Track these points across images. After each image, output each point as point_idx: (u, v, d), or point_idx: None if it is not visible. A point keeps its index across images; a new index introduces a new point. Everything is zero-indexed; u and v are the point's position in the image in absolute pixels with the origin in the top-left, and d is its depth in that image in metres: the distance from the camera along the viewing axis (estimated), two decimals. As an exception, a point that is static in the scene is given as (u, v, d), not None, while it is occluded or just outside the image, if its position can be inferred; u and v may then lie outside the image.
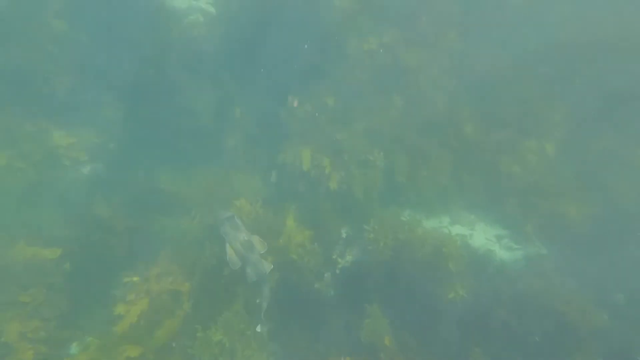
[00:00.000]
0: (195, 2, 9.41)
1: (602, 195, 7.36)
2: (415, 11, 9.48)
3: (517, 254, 6.76)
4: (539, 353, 5.90)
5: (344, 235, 7.43)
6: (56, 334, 4.42)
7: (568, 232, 6.74)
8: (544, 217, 6.91)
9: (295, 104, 9.40)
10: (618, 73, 8.24)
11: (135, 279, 5.54)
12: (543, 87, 8.04)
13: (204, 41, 9.13)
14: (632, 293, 6.61)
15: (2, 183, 5.44)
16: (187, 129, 8.74)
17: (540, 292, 6.20)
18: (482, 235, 7.24)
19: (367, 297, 6.36)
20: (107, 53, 7.80)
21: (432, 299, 6.34)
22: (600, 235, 6.96)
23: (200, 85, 9.25)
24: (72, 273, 5.13)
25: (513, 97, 8.07)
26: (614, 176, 7.62)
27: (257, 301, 5.72)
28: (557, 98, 7.69)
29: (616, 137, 8.01)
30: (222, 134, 9.25)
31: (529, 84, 8.14)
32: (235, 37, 9.45)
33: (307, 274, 6.61)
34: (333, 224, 7.63)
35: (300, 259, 6.67)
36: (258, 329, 5.71)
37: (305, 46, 9.77)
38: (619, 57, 8.36)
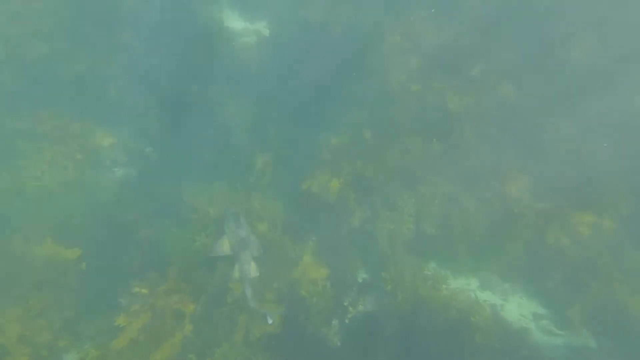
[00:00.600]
0: (251, 25, 9.96)
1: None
2: (469, 58, 9.22)
3: (558, 341, 5.91)
4: None
5: (359, 279, 7.03)
6: (57, 338, 4.46)
7: (626, 327, 5.77)
8: (595, 302, 6.03)
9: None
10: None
11: (144, 290, 5.53)
12: (607, 157, 7.30)
13: (252, 61, 9.53)
14: None
15: (43, 177, 5.82)
16: (220, 143, 8.99)
17: (582, 394, 5.32)
18: (516, 309, 6.48)
19: (376, 357, 5.83)
20: (160, 64, 8.34)
21: (450, 374, 5.68)
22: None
23: (241, 102, 9.56)
24: (86, 274, 5.24)
25: (570, 164, 7.41)
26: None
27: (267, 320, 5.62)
28: (624, 172, 6.90)
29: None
30: (252, 152, 9.37)
31: (591, 150, 7.45)
32: (282, 61, 9.78)
33: (315, 316, 6.26)
34: (350, 265, 7.28)
35: (310, 298, 6.37)
36: (269, 321, 5.57)
37: (354, 74, 9.87)
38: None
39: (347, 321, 6.22)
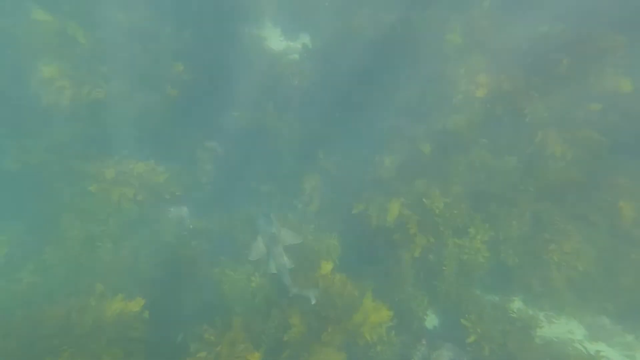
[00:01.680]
0: (293, 43, 9.76)
1: None
2: (552, 53, 7.83)
3: None
4: None
5: (429, 326, 6.28)
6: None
7: None
8: None
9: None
10: None
11: (211, 337, 5.51)
12: None
13: (297, 78, 9.30)
14: None
15: (108, 220, 6.21)
16: (270, 169, 8.90)
17: None
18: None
19: None
20: (209, 94, 8.51)
21: None
22: None
23: (287, 123, 9.38)
24: (150, 322, 5.41)
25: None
26: None
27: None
28: None
29: None
30: (300, 176, 9.12)
31: None
32: (328, 75, 9.37)
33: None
34: (416, 307, 6.57)
35: (374, 346, 5.85)
36: (313, 301, 5.90)
37: (407, 81, 9.09)
38: None
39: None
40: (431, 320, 6.31)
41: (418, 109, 8.93)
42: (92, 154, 7.00)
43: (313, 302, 5.77)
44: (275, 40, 10.01)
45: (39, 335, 4.46)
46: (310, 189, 8.93)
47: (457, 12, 9.10)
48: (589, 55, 7.12)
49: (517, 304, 6.51)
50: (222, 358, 5.37)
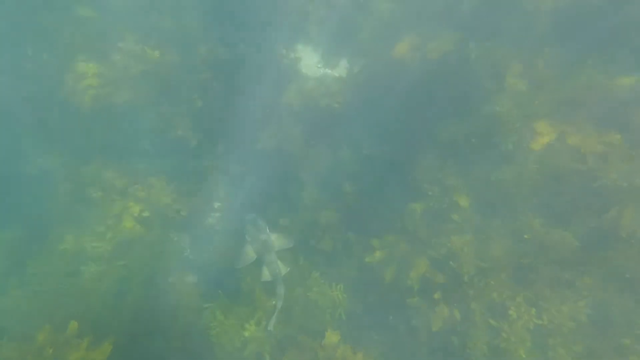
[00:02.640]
0: (330, 71, 9.30)
1: None
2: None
3: None
4: None
5: None
6: None
7: None
8: None
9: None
10: None
11: None
12: None
13: (329, 109, 8.74)
14: None
15: (106, 234, 5.92)
16: (289, 200, 8.32)
17: None
18: None
19: None
20: (234, 114, 8.23)
21: None
22: None
23: (315, 152, 8.80)
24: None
25: None
26: None
27: (273, 302, 6.05)
28: None
29: None
30: (317, 209, 8.39)
31: None
32: (366, 106, 8.73)
33: None
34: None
35: None
36: (270, 327, 5.83)
37: (454, 121, 8.10)
38: None
39: None
40: None
41: (461, 153, 7.92)
42: (104, 161, 6.89)
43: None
44: (311, 64, 9.62)
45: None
46: (325, 223, 8.18)
47: (521, 48, 8.07)
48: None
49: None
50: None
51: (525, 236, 6.36)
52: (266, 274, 6.13)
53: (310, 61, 9.69)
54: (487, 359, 5.72)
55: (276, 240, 6.47)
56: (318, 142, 8.65)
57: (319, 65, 9.70)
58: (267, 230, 6.48)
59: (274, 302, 6.03)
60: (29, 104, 6.94)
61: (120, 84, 7.40)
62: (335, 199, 8.36)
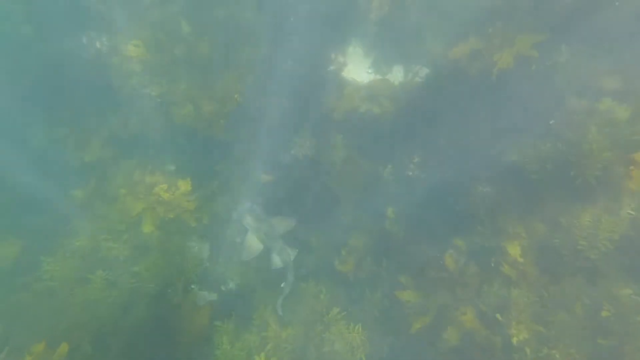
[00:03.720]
0: (382, 77, 8.33)
1: None
2: None
3: None
4: None
5: None
6: None
7: None
8: None
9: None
10: None
11: None
12: None
13: (375, 121, 7.87)
14: None
15: (126, 235, 5.76)
16: (319, 215, 7.68)
17: None
18: None
19: None
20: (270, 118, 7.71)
21: None
22: None
23: (355, 167, 8.01)
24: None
25: None
26: None
27: (282, 285, 6.05)
28: None
29: None
30: (351, 228, 7.66)
31: None
32: (415, 123, 7.75)
33: None
34: None
35: None
36: (279, 311, 5.86)
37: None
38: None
39: None
40: None
41: (527, 184, 6.64)
42: (134, 158, 6.76)
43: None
44: (360, 69, 8.78)
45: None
46: (353, 247, 7.45)
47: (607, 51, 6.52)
48: None
49: None
50: None
51: (604, 311, 5.06)
52: (277, 262, 6.07)
53: (359, 65, 8.82)
54: None
55: (278, 224, 6.33)
56: (359, 156, 7.86)
57: (369, 71, 8.83)
58: (267, 217, 6.33)
59: (282, 285, 6.07)
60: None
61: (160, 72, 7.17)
62: (372, 221, 7.58)
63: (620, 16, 6.47)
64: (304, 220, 7.47)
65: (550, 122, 6.56)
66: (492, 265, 6.39)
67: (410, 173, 7.65)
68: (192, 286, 5.88)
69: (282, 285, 6.08)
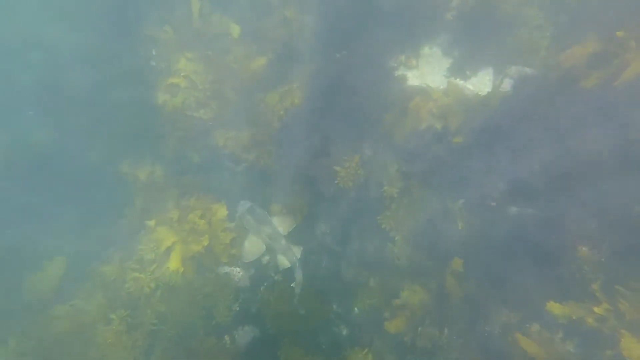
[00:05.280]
0: (463, 83, 6.64)
1: None
2: None
3: None
4: None
5: None
6: None
7: None
8: None
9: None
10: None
11: None
12: None
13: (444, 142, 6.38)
14: None
15: (155, 261, 5.51)
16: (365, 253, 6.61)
17: None
18: None
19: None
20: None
21: None
22: None
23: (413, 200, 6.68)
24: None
25: None
26: None
27: (292, 285, 5.98)
28: None
29: None
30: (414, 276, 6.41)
31: None
32: (500, 148, 6.04)
33: None
34: None
35: None
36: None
37: None
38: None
39: None
40: None
41: None
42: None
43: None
44: (435, 72, 7.20)
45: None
46: (407, 303, 6.15)
47: None
48: None
49: None
50: None
51: None
52: (284, 262, 6.03)
53: (435, 68, 7.20)
54: None
55: (280, 224, 6.19)
56: (421, 186, 6.50)
57: (446, 74, 7.15)
58: (268, 217, 6.20)
59: (292, 284, 5.98)
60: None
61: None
62: (434, 270, 6.23)
63: None
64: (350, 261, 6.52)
65: None
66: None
67: (493, 204, 5.98)
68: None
69: (292, 285, 5.95)
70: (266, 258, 6.55)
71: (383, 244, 6.50)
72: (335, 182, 6.16)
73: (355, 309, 6.35)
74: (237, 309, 5.86)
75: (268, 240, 6.07)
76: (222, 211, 6.38)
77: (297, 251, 6.16)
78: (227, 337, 5.69)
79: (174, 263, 5.43)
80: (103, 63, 6.92)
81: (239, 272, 6.30)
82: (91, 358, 4.75)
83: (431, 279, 6.02)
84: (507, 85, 6.70)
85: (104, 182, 6.61)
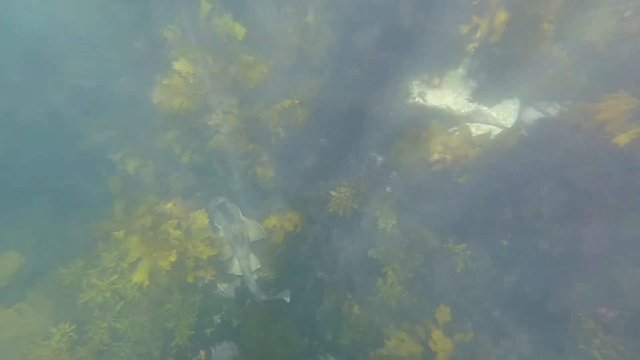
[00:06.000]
0: (487, 110, 6.11)
1: None
2: None
3: None
4: None
5: None
6: None
7: None
8: None
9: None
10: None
11: None
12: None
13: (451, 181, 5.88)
14: None
15: (122, 277, 5.01)
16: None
17: None
18: None
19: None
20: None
21: None
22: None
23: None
24: None
25: None
26: None
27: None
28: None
29: None
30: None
31: None
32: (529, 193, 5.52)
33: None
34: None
35: None
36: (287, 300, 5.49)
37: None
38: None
39: None
40: None
41: None
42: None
43: (288, 300, 5.33)
44: (459, 95, 6.66)
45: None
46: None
47: None
48: None
49: None
50: None
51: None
52: (236, 268, 5.66)
53: (458, 90, 6.66)
54: None
55: (250, 228, 5.84)
56: (418, 225, 5.98)
57: (470, 98, 6.48)
58: (239, 216, 5.86)
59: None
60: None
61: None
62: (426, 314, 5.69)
63: None
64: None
65: None
66: None
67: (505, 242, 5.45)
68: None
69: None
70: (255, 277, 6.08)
71: (372, 276, 6.02)
72: (328, 205, 5.71)
73: (339, 338, 5.86)
74: (219, 321, 5.47)
75: (232, 242, 5.72)
76: (202, 219, 5.88)
77: (255, 262, 5.78)
78: (202, 352, 5.23)
79: (138, 276, 4.91)
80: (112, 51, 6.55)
81: (223, 283, 5.88)
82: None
83: (420, 325, 5.49)
84: (529, 117, 6.27)
85: (91, 173, 6.16)
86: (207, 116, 6.42)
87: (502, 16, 5.42)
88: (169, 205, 5.64)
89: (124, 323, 4.69)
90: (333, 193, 5.73)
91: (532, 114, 6.09)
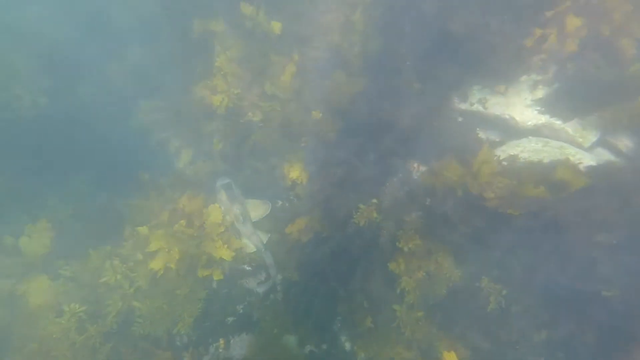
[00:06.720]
0: (554, 121, 5.08)
1: None
2: None
3: None
4: None
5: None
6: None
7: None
8: None
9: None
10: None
11: None
12: None
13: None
14: None
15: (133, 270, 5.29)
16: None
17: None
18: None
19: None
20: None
21: None
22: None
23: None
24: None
25: None
26: None
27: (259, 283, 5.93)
28: None
29: None
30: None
31: None
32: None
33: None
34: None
35: None
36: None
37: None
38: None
39: None
40: None
41: None
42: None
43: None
44: (521, 106, 5.85)
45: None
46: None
47: None
48: None
49: None
50: None
51: None
52: (249, 246, 5.82)
53: (525, 100, 5.76)
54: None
55: (252, 209, 5.99)
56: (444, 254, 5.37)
57: (540, 110, 5.64)
58: (242, 198, 6.01)
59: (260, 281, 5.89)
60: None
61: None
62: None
63: None
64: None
65: None
66: None
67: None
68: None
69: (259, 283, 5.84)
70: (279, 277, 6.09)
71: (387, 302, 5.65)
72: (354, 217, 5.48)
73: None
74: (241, 311, 5.61)
75: (234, 221, 5.82)
76: (215, 214, 5.92)
77: (264, 237, 5.91)
78: (222, 341, 5.40)
79: (156, 263, 5.15)
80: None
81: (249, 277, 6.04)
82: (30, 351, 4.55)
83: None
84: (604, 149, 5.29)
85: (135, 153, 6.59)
86: (244, 113, 6.47)
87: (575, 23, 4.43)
88: (184, 199, 5.77)
89: (138, 304, 5.01)
90: (361, 206, 5.51)
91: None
